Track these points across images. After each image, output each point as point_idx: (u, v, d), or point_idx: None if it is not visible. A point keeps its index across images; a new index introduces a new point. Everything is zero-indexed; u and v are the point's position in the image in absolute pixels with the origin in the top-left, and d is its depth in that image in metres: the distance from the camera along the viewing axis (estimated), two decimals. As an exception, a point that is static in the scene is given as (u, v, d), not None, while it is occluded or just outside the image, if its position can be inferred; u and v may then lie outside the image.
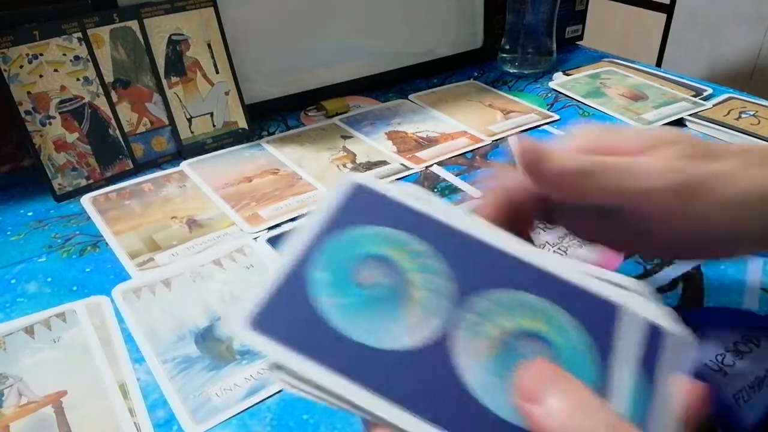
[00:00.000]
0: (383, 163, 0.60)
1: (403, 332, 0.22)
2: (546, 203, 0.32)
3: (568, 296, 0.24)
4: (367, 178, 0.26)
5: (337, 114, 0.70)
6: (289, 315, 0.22)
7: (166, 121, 0.61)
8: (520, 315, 0.23)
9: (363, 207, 0.25)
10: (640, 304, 0.23)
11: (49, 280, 0.45)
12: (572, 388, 0.20)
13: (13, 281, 0.45)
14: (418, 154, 0.61)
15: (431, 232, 0.25)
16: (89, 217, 0.52)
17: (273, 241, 0.49)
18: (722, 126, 0.64)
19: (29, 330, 0.40)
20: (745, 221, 0.29)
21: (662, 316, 0.23)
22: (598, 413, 0.20)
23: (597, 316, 0.23)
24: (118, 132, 0.58)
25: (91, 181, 0.56)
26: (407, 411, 0.21)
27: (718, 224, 0.29)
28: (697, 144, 0.30)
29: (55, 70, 0.54)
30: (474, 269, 0.24)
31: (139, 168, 0.59)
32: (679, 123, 0.67)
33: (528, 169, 0.28)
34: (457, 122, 0.68)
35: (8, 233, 0.51)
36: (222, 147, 0.63)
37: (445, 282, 0.24)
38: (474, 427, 0.21)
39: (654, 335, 0.23)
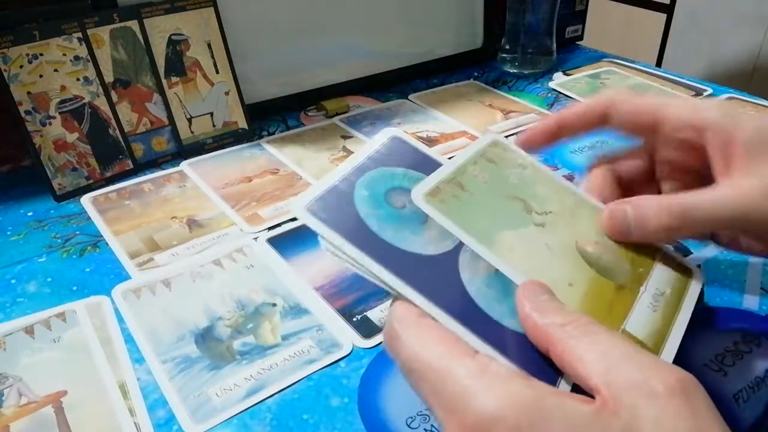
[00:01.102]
0: (383, 163, 0.60)
1: (421, 243, 0.28)
2: None
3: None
4: (402, 132, 0.33)
5: (337, 114, 0.70)
6: (337, 210, 0.28)
7: (166, 121, 0.61)
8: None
9: (397, 153, 0.31)
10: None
11: (49, 280, 0.45)
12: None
13: (13, 281, 0.45)
14: (418, 154, 0.61)
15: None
16: (89, 217, 0.52)
17: (273, 241, 0.49)
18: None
19: (29, 330, 0.40)
20: None
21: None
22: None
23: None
24: (118, 132, 0.58)
25: (91, 181, 0.56)
26: (421, 293, 0.26)
27: None
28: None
29: (55, 70, 0.54)
30: None
31: (139, 168, 0.59)
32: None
33: (623, 239, 0.33)
34: (457, 122, 0.68)
35: (8, 233, 0.51)
36: (222, 147, 0.63)
37: None
38: (469, 316, 0.26)
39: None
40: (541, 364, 0.24)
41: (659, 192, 0.37)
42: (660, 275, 0.31)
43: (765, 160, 0.31)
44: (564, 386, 0.24)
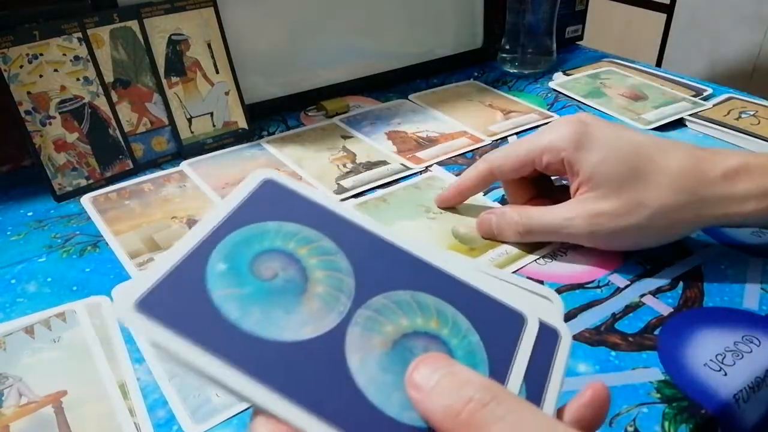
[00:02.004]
0: (383, 163, 0.60)
1: (296, 325, 0.22)
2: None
3: (466, 299, 0.25)
4: (277, 174, 0.26)
5: (337, 114, 0.70)
6: (179, 301, 0.21)
7: (166, 121, 0.61)
8: (418, 315, 0.24)
9: (271, 202, 0.25)
10: (538, 309, 0.25)
11: (49, 280, 0.45)
12: (456, 371, 0.21)
13: (13, 281, 0.45)
14: (418, 154, 0.61)
15: (338, 230, 0.25)
16: (89, 217, 0.52)
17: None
18: (722, 126, 0.64)
19: (29, 330, 0.40)
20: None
21: (557, 319, 0.25)
22: (475, 382, 0.21)
23: (493, 319, 0.24)
24: (118, 132, 0.58)
25: (91, 181, 0.56)
26: (290, 401, 0.20)
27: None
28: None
29: (55, 70, 0.54)
30: (377, 269, 0.25)
31: (139, 168, 0.59)
32: (680, 123, 0.67)
33: (490, 239, 0.48)
34: (457, 122, 0.68)
35: (8, 233, 0.51)
36: (222, 147, 0.63)
37: (347, 279, 0.24)
38: (357, 421, 0.20)
39: (547, 339, 0.24)
40: None
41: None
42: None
43: (592, 188, 0.42)
44: None
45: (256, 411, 0.21)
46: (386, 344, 0.23)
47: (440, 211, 0.51)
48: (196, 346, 0.20)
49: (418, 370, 0.21)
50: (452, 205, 0.51)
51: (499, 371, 0.23)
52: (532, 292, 0.26)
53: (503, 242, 0.46)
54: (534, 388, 0.23)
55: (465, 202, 0.51)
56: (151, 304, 0.21)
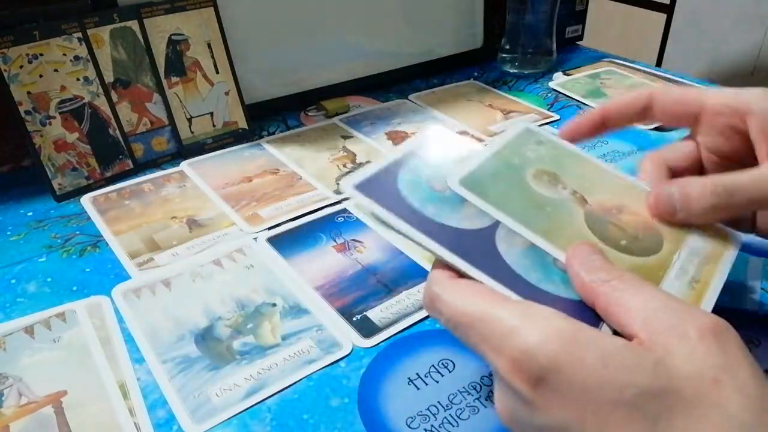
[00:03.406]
0: (383, 163, 0.60)
1: (459, 219, 0.30)
2: None
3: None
4: (444, 129, 0.36)
5: (337, 114, 0.70)
6: (382, 189, 0.31)
7: (166, 121, 0.61)
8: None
9: (440, 147, 0.35)
10: None
11: (49, 280, 0.45)
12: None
13: (13, 281, 0.45)
14: (418, 154, 0.61)
15: None
16: (89, 217, 0.52)
17: (273, 241, 0.49)
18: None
19: (29, 330, 0.40)
20: None
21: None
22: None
23: None
24: (118, 132, 0.58)
25: (91, 181, 0.56)
26: (458, 255, 0.28)
27: None
28: None
29: (55, 70, 0.54)
30: None
31: (139, 168, 0.59)
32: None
33: (669, 219, 0.33)
34: (457, 122, 0.68)
35: (8, 233, 0.51)
36: (222, 147, 0.63)
37: None
38: (505, 277, 0.28)
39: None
40: (582, 318, 0.26)
41: None
42: (695, 242, 0.33)
43: None
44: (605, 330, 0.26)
45: (434, 271, 0.28)
46: (525, 245, 0.30)
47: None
48: (395, 216, 0.29)
49: (572, 253, 0.28)
50: (585, 137, 0.39)
51: None
52: None
53: (687, 225, 0.33)
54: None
55: None
56: (364, 188, 0.30)
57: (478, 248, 0.29)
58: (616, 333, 0.25)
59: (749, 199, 0.32)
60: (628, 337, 0.24)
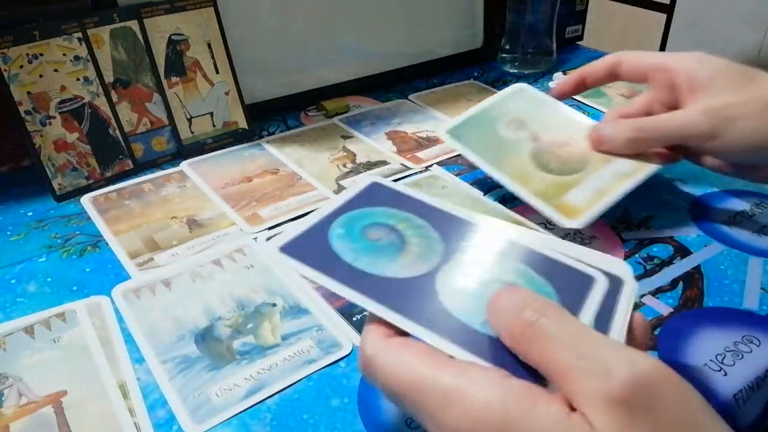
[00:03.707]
0: (383, 163, 0.60)
1: (396, 268, 0.29)
2: None
3: (542, 263, 0.29)
4: (381, 179, 0.35)
5: (337, 114, 0.70)
6: (311, 248, 0.29)
7: (166, 121, 0.61)
8: (497, 269, 0.29)
9: (376, 195, 0.33)
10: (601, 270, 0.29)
11: (49, 280, 0.45)
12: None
13: (13, 281, 0.45)
14: (418, 154, 0.61)
15: (429, 214, 0.32)
16: (89, 217, 0.52)
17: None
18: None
19: (29, 330, 0.40)
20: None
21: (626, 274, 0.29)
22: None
23: (566, 278, 0.29)
24: (118, 132, 0.58)
25: (91, 181, 0.56)
26: (394, 310, 0.26)
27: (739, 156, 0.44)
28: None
29: (55, 70, 0.54)
30: (462, 241, 0.31)
31: (139, 168, 0.59)
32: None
33: (601, 149, 0.47)
34: (457, 122, 0.68)
35: (8, 233, 0.51)
36: (222, 147, 0.63)
37: (437, 243, 0.30)
38: (446, 328, 0.26)
39: (612, 292, 0.28)
40: (520, 366, 0.24)
41: None
42: (616, 166, 0.46)
43: (711, 93, 0.43)
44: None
45: (366, 331, 0.27)
46: (469, 285, 0.28)
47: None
48: (323, 274, 0.28)
49: (498, 298, 0.25)
50: (570, 94, 0.53)
51: None
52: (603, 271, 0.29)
53: (612, 154, 0.46)
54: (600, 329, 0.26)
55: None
56: (290, 249, 0.29)
57: (417, 297, 0.27)
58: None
59: (658, 136, 0.44)
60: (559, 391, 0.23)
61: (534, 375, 0.24)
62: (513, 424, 0.22)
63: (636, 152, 0.46)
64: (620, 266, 0.29)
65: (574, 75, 0.51)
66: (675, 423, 0.21)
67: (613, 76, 0.50)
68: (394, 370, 0.24)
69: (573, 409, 0.22)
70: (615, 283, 0.28)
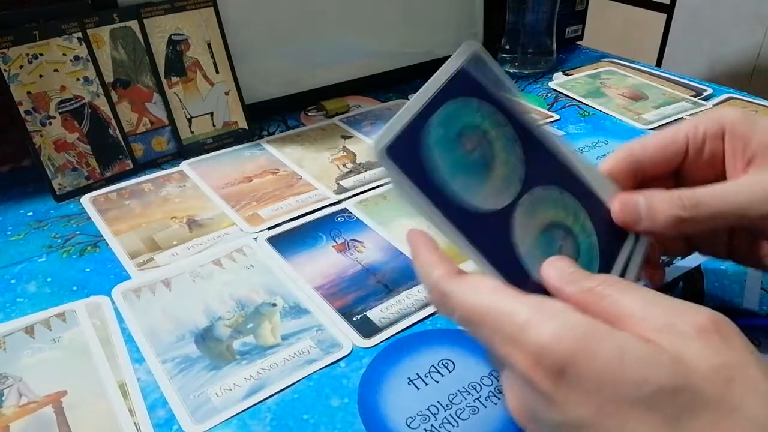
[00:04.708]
0: (383, 163, 0.60)
1: (484, 196, 0.29)
2: None
3: (596, 208, 0.32)
4: (481, 49, 0.32)
5: (337, 114, 0.70)
6: (413, 154, 0.27)
7: (166, 121, 0.61)
8: (562, 210, 0.31)
9: (474, 78, 0.31)
10: None
11: (49, 280, 0.45)
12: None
13: (13, 281, 0.45)
14: (418, 154, 0.61)
15: (519, 121, 0.32)
16: (89, 217, 0.52)
17: (273, 241, 0.49)
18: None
19: (29, 330, 0.40)
20: None
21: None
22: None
23: (609, 227, 0.32)
24: (118, 132, 0.58)
25: (91, 181, 0.56)
26: (475, 246, 0.27)
27: None
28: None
29: (55, 70, 0.54)
30: (541, 164, 0.31)
31: (139, 168, 0.59)
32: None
33: (631, 229, 0.34)
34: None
35: (8, 233, 0.51)
36: (222, 147, 0.63)
37: (519, 166, 0.31)
38: (511, 274, 0.27)
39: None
40: None
41: None
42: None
43: None
44: None
45: (438, 268, 0.27)
46: (539, 227, 0.29)
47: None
48: (424, 196, 0.27)
49: (547, 270, 0.28)
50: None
51: (603, 269, 0.31)
52: None
53: (641, 233, 0.34)
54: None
55: None
56: (395, 153, 0.27)
57: (495, 236, 0.28)
58: None
59: (713, 213, 0.32)
60: None
61: None
62: (595, 342, 0.23)
63: (679, 233, 0.33)
64: None
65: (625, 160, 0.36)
66: (749, 351, 0.23)
67: (633, 173, 0.36)
68: (472, 302, 0.26)
69: None
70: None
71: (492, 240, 0.28)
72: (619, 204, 0.33)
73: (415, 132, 0.28)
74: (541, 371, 0.23)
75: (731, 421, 0.21)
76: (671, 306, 0.24)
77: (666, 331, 0.23)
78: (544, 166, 0.31)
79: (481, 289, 0.26)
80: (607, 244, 0.31)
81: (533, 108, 0.70)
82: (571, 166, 0.33)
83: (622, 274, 0.31)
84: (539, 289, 0.27)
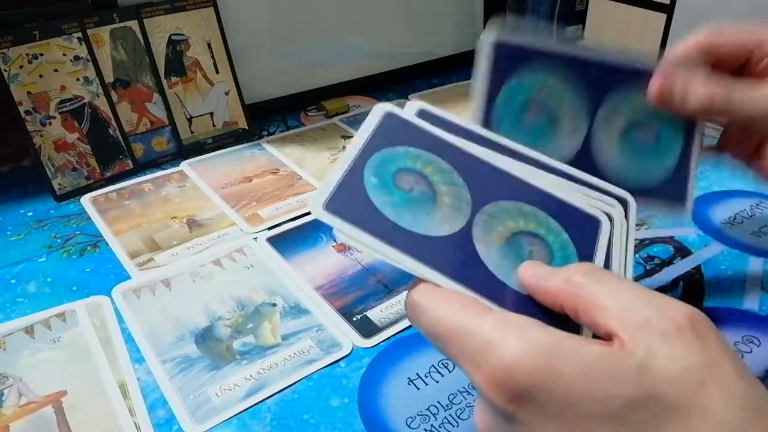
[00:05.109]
0: (383, 163, 0.60)
1: (437, 224, 0.29)
2: None
3: (555, 206, 0.31)
4: (394, 108, 0.33)
5: (337, 114, 0.70)
6: (353, 204, 0.28)
7: (166, 121, 0.61)
8: (521, 218, 0.31)
9: (394, 131, 0.32)
10: (614, 213, 0.31)
11: (49, 280, 0.45)
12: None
13: (13, 281, 0.45)
14: (418, 154, 0.61)
15: (448, 153, 0.32)
16: (89, 217, 0.52)
17: (273, 241, 0.49)
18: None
19: (29, 330, 0.40)
20: None
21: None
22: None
23: (576, 222, 0.31)
24: (118, 132, 0.58)
25: (91, 181, 0.56)
26: (440, 273, 0.27)
27: None
28: None
29: (55, 70, 0.54)
30: (484, 184, 0.32)
31: (139, 168, 0.59)
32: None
33: (665, 107, 0.35)
34: (459, 122, 0.68)
35: (8, 233, 0.51)
36: (222, 147, 0.63)
37: (464, 191, 0.31)
38: (490, 290, 0.27)
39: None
40: (562, 323, 0.25)
41: None
42: None
43: None
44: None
45: (416, 279, 0.27)
46: (501, 240, 0.30)
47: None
48: (373, 236, 0.28)
49: (523, 271, 0.28)
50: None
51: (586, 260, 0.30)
52: (606, 193, 0.32)
53: (676, 112, 0.35)
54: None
55: None
56: (334, 207, 0.28)
57: (459, 257, 0.28)
58: (595, 335, 0.25)
59: (743, 110, 0.33)
60: (607, 336, 0.23)
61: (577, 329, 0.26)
62: (558, 361, 0.22)
63: (706, 116, 0.36)
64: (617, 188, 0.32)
65: (659, 78, 0.36)
66: (724, 349, 0.22)
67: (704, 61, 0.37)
68: (438, 317, 0.26)
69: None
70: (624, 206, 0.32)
71: (455, 261, 0.28)
72: (660, 80, 0.34)
73: (351, 185, 0.29)
74: (502, 393, 0.23)
75: (701, 424, 0.21)
76: (647, 300, 0.24)
77: (641, 328, 0.23)
78: (489, 183, 0.32)
79: (448, 304, 0.26)
80: (581, 236, 0.31)
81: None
82: (519, 174, 0.32)
83: (606, 263, 0.31)
84: (518, 297, 0.27)
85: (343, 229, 0.28)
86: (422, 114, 0.33)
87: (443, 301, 0.26)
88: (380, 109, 0.32)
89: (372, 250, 0.28)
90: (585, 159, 0.33)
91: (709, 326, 0.23)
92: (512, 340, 0.23)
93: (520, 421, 0.23)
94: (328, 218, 0.28)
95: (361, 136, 0.31)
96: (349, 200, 0.29)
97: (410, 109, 0.33)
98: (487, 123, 0.32)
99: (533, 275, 0.27)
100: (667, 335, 0.22)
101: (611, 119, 0.35)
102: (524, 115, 0.32)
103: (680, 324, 0.22)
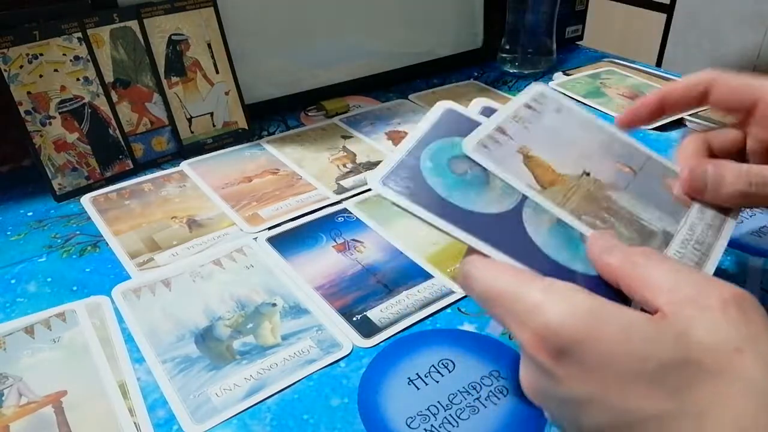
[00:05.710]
0: (383, 163, 0.60)
1: (485, 203, 0.31)
2: None
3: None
4: (454, 105, 0.35)
5: (337, 114, 0.70)
6: (409, 181, 0.30)
7: (166, 121, 0.61)
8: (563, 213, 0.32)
9: (452, 123, 0.34)
10: None
11: (49, 280, 0.45)
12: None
13: (13, 281, 0.45)
14: (418, 154, 0.61)
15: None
16: (89, 217, 0.52)
17: (273, 241, 0.49)
18: (722, 126, 0.64)
19: (29, 330, 0.40)
20: None
21: None
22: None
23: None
24: (118, 132, 0.58)
25: (91, 181, 0.56)
26: (489, 245, 0.29)
27: None
28: None
29: (55, 70, 0.54)
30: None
31: (139, 168, 0.59)
32: (679, 123, 0.67)
33: (697, 196, 0.34)
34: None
35: (8, 233, 0.51)
36: (222, 147, 0.63)
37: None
38: (538, 264, 0.29)
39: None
40: (609, 296, 0.26)
41: None
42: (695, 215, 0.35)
43: None
44: None
45: (469, 249, 0.29)
46: (551, 222, 0.31)
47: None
48: (422, 208, 0.30)
49: (593, 240, 0.29)
50: (642, 122, 0.39)
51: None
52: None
53: (704, 203, 0.34)
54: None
55: None
56: (391, 181, 0.30)
57: (508, 233, 0.30)
58: (643, 310, 0.26)
59: None
60: (653, 312, 0.25)
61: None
62: (600, 321, 0.24)
63: (740, 206, 0.34)
64: None
65: (650, 99, 0.38)
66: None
67: (700, 101, 0.37)
68: (489, 283, 0.28)
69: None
70: None
71: (503, 236, 0.29)
72: (688, 171, 0.34)
73: (407, 165, 0.31)
74: (545, 350, 0.25)
75: (733, 388, 0.22)
76: (698, 280, 0.25)
77: (686, 303, 0.24)
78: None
79: (498, 272, 0.28)
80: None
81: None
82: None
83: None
84: (563, 270, 0.29)
85: (398, 202, 0.30)
86: (485, 111, 0.35)
87: (494, 269, 0.28)
88: (441, 105, 0.35)
89: (424, 221, 0.29)
90: (510, 221, 0.31)
91: (756, 305, 0.24)
92: (557, 302, 0.25)
93: (561, 377, 0.25)
94: (383, 190, 0.30)
95: (421, 128, 0.33)
96: (404, 178, 0.31)
97: (475, 106, 0.35)
98: (407, 167, 0.31)
99: (598, 246, 0.29)
100: (711, 310, 0.23)
101: (541, 208, 0.32)
102: (450, 169, 0.32)
103: (725, 300, 0.23)
